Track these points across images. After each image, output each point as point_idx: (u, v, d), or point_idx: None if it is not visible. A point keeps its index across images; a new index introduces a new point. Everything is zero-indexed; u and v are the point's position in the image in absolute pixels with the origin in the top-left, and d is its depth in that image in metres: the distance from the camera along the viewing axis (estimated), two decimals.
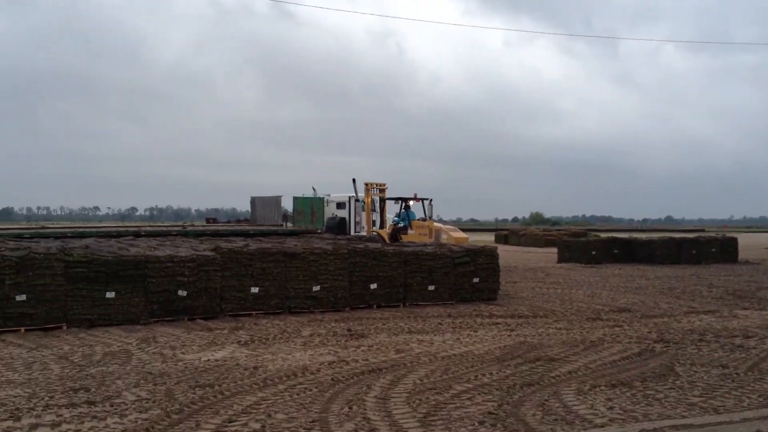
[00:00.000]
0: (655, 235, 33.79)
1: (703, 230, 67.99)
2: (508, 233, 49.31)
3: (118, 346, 9.37)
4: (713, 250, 28.92)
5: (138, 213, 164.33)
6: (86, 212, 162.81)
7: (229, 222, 43.90)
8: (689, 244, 28.81)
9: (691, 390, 7.31)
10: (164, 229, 26.07)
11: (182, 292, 11.51)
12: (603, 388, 7.33)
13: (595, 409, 6.50)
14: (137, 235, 20.42)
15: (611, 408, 6.56)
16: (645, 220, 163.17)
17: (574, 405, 6.64)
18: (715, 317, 12.84)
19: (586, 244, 28.99)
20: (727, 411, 6.56)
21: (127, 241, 15.75)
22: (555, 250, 30.50)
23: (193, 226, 32.61)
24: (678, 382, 7.66)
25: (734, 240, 30.20)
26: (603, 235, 39.20)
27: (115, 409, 6.32)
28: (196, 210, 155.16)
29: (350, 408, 6.41)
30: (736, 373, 8.10)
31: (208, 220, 48.51)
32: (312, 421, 5.99)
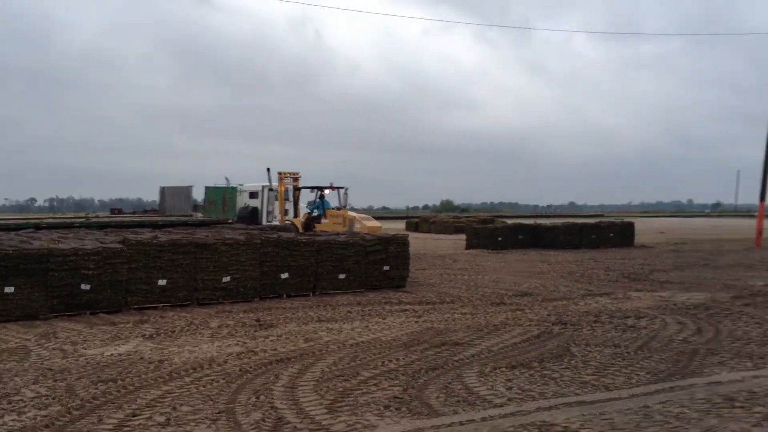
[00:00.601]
0: (558, 221, 34.99)
1: (603, 215, 70.92)
2: (419, 221, 49.88)
3: (16, 343, 9.03)
4: (612, 234, 30.20)
5: (37, 204, 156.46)
6: None
7: (135, 213, 42.65)
8: (590, 230, 29.94)
9: (584, 369, 7.74)
10: (67, 220, 25.14)
11: (85, 286, 11.17)
12: (503, 369, 7.65)
13: (495, 390, 6.80)
14: (38, 227, 19.66)
15: (510, 388, 6.87)
16: (549, 206, 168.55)
17: (476, 387, 6.92)
18: (610, 299, 13.52)
19: (493, 231, 29.69)
20: (617, 388, 6.97)
21: (27, 234, 15.13)
22: (464, 236, 31.11)
23: (97, 217, 31.51)
24: (573, 361, 8.09)
25: (631, 225, 31.59)
26: (510, 221, 40.24)
27: (13, 406, 6.13)
28: (99, 200, 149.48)
29: (257, 398, 6.46)
30: (627, 352, 8.59)
31: (113, 211, 46.98)
32: (218, 412, 6.00)
